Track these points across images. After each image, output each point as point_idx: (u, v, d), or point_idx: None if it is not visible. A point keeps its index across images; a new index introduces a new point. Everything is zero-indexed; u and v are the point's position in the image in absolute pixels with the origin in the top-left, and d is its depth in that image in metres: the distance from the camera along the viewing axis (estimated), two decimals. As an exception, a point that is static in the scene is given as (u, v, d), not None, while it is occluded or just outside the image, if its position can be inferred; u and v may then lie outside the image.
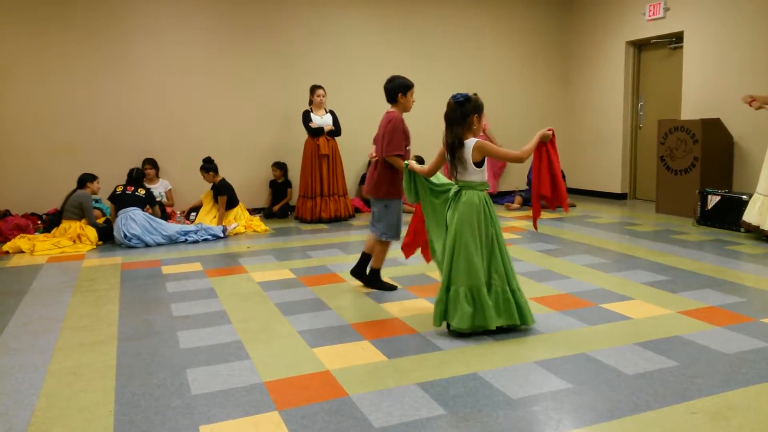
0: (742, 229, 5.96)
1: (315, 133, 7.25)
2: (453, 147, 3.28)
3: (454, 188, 3.33)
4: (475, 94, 3.35)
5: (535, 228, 3.73)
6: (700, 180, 6.92)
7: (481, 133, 3.40)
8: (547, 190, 3.46)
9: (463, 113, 3.26)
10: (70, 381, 2.81)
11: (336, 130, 7.36)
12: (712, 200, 6.43)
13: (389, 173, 4.08)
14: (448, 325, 3.31)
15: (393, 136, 4.02)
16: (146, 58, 7.40)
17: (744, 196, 6.06)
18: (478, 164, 3.26)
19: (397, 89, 4.12)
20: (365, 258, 4.31)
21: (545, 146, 3.44)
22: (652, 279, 4.41)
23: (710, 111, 7.26)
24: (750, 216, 5.77)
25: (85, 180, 6.29)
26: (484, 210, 3.26)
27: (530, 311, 3.34)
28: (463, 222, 3.23)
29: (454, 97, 3.30)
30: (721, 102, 7.17)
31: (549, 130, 3.42)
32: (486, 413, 2.41)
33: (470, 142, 3.26)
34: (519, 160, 3.33)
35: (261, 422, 2.37)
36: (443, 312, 3.27)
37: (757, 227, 5.67)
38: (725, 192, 6.39)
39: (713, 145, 7.00)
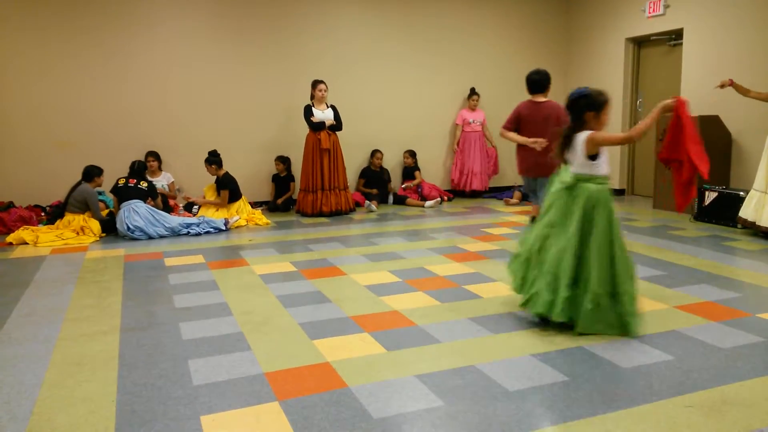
0: (739, 225, 5.99)
1: (316, 127, 7.26)
2: (562, 142, 3.29)
3: (571, 179, 3.26)
4: (593, 90, 3.25)
5: (680, 210, 3.59)
6: (698, 176, 6.94)
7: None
8: (704, 163, 3.41)
9: (577, 109, 3.22)
10: (72, 371, 2.84)
11: (337, 125, 7.38)
12: (710, 196, 6.46)
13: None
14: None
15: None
16: (148, 53, 7.40)
17: (741, 193, 6.09)
18: (593, 157, 3.20)
19: (549, 81, 4.78)
20: None
21: (678, 117, 3.28)
22: (649, 274, 4.44)
23: (709, 108, 7.27)
24: (746, 212, 5.80)
25: (92, 174, 6.30)
26: (596, 205, 3.17)
27: (635, 321, 3.17)
28: (569, 213, 3.20)
29: (571, 93, 3.26)
30: (719, 99, 7.19)
31: (674, 99, 3.28)
32: (483, 405, 2.44)
33: (581, 135, 3.20)
34: (629, 140, 3.27)
35: (262, 412, 2.41)
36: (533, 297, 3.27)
37: (753, 223, 5.70)
38: (722, 188, 6.42)
39: (711, 142, 7.00)
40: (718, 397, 2.49)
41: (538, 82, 4.77)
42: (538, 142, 4.62)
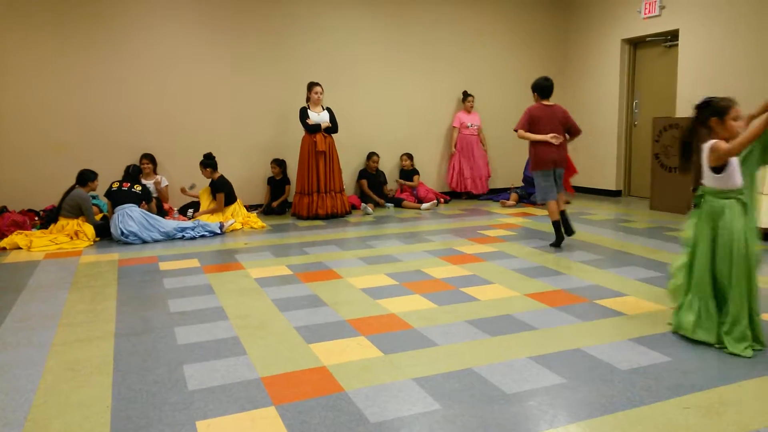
0: (736, 226, 5.99)
1: (312, 129, 7.25)
2: (682, 151, 3.20)
3: (699, 192, 3.16)
4: (719, 98, 3.11)
5: None
6: (695, 177, 6.95)
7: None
8: None
9: (702, 117, 3.09)
10: (67, 377, 2.82)
11: (333, 127, 7.37)
12: (707, 197, 6.46)
13: None
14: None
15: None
16: (144, 55, 7.38)
17: (738, 194, 6.09)
18: (716, 169, 3.02)
19: (553, 86, 5.57)
20: (564, 216, 5.51)
21: None
22: (646, 275, 4.44)
23: (705, 108, 7.28)
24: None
25: (87, 179, 6.26)
26: (722, 219, 3.01)
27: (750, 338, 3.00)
28: (698, 229, 3.11)
29: (698, 102, 3.13)
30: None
31: None
32: (481, 408, 2.43)
33: (705, 146, 3.05)
34: (731, 153, 2.94)
35: (258, 417, 2.39)
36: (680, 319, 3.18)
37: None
38: (719, 189, 6.43)
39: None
40: (716, 399, 2.48)
41: (548, 88, 5.48)
42: (556, 137, 5.31)
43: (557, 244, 5.44)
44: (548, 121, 5.38)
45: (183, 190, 7.18)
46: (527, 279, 4.40)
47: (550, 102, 5.51)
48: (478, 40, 9.07)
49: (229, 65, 7.75)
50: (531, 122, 5.41)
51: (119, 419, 2.40)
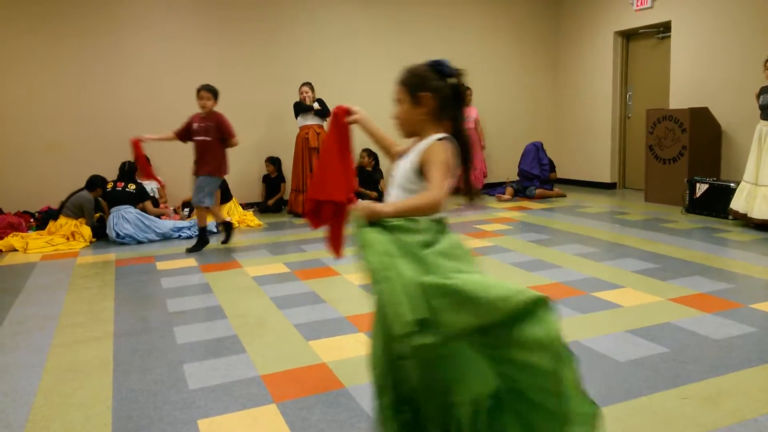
0: (730, 217, 6.02)
1: (302, 109, 7.27)
2: None
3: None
4: None
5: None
6: (689, 169, 6.98)
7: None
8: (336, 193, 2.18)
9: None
10: (67, 378, 2.82)
11: (322, 110, 7.33)
12: (701, 188, 6.49)
13: None
14: None
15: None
16: (137, 55, 7.35)
17: (732, 184, 6.13)
18: None
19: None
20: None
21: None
22: (641, 267, 4.46)
23: (698, 100, 7.31)
24: (737, 204, 5.84)
25: (96, 184, 6.21)
26: None
27: None
28: None
29: None
30: (708, 91, 7.23)
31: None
32: (481, 402, 2.44)
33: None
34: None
35: (259, 415, 2.40)
36: None
37: (745, 215, 5.74)
38: (713, 180, 6.46)
39: (701, 134, 7.06)
40: (713, 389, 2.50)
41: (214, 91, 5.75)
42: None
43: (197, 249, 5.49)
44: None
45: (178, 208, 7.13)
46: (524, 273, 4.41)
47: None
48: (471, 34, 9.06)
49: (222, 65, 7.73)
50: None
51: (120, 419, 2.40)
